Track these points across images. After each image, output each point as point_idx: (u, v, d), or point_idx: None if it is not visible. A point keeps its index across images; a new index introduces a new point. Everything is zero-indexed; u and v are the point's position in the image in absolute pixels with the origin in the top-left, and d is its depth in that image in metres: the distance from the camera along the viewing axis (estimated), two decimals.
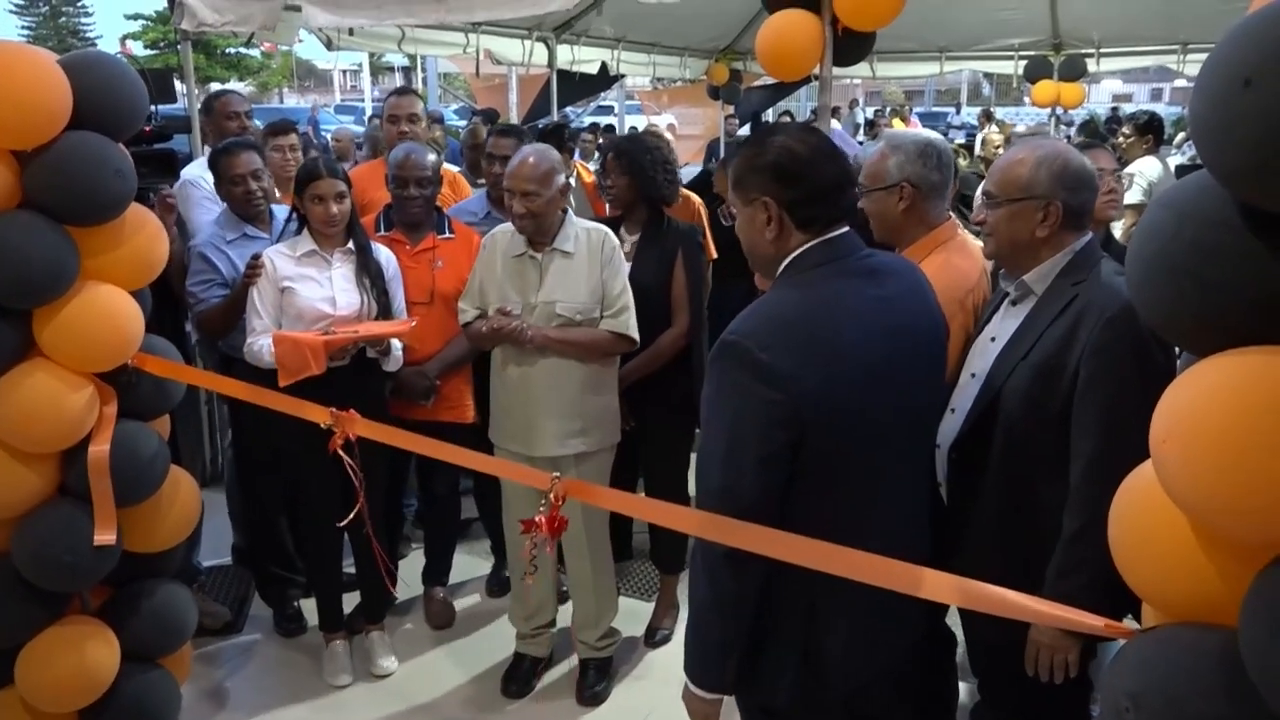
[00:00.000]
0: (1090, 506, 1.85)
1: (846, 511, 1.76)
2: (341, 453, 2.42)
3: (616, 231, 3.44)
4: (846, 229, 1.81)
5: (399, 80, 39.36)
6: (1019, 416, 2.01)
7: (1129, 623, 1.40)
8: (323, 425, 2.39)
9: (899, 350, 1.78)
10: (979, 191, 2.18)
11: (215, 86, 27.66)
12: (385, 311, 3.20)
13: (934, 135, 2.55)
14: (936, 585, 1.58)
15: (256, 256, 3.11)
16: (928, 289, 1.92)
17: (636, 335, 3.05)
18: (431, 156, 3.44)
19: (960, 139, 16.79)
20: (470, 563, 4.12)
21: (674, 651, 2.97)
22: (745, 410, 1.66)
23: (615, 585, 3.37)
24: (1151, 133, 5.65)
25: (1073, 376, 1.93)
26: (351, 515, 2.64)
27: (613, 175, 3.44)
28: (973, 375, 2.17)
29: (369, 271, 3.18)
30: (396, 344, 3.19)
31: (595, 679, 3.25)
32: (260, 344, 3.05)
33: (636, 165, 3.38)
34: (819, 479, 1.72)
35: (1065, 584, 1.89)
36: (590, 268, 2.99)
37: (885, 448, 1.79)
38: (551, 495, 1.94)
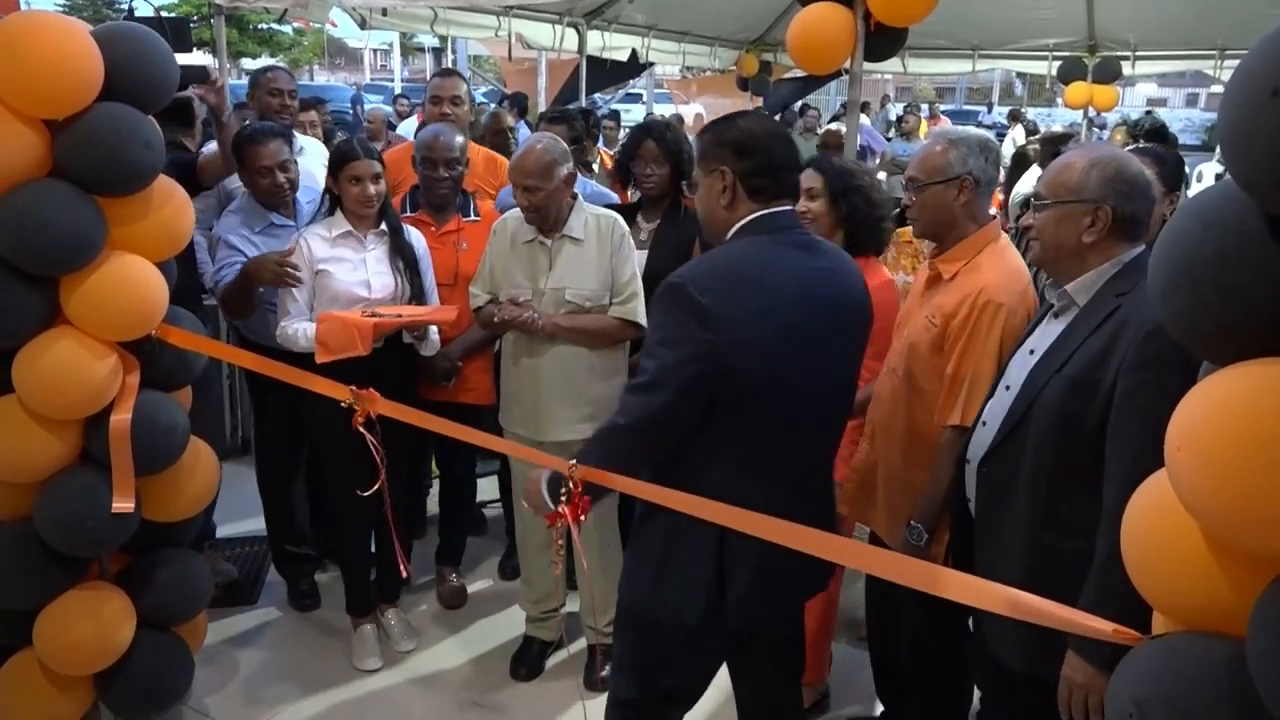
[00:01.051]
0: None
1: (758, 458, 1.99)
2: (363, 430, 2.44)
3: (634, 218, 3.44)
4: (789, 206, 2.06)
5: (429, 61, 39.33)
6: (1051, 431, 1.92)
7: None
8: (343, 404, 2.41)
9: (825, 319, 2.02)
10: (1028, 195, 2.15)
11: (247, 61, 27.78)
12: (419, 293, 3.20)
13: (985, 133, 2.61)
14: (961, 585, 1.60)
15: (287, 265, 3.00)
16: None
17: (645, 322, 3.03)
18: (459, 138, 3.45)
19: (1020, 138, 16.67)
20: (485, 545, 4.15)
21: None
22: (678, 342, 1.90)
23: None
24: (1155, 140, 5.63)
25: (1109, 391, 1.82)
26: (375, 486, 2.60)
27: (652, 164, 3.40)
28: (1007, 388, 2.09)
29: (402, 254, 3.18)
30: (433, 329, 3.20)
31: (604, 664, 3.25)
32: (296, 328, 3.05)
33: (678, 155, 3.39)
34: (735, 421, 1.95)
35: (1097, 615, 1.80)
36: (600, 254, 3.00)
37: (802, 408, 2.02)
38: (570, 483, 1.98)
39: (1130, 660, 1.23)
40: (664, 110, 15.19)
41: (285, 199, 3.37)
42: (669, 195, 3.45)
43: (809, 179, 2.82)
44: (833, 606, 3.08)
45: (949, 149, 2.38)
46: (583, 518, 1.99)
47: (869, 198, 2.77)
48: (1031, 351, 2.07)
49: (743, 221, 2.03)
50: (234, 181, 3.55)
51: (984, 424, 2.13)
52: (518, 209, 3.07)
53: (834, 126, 9.22)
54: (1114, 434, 1.82)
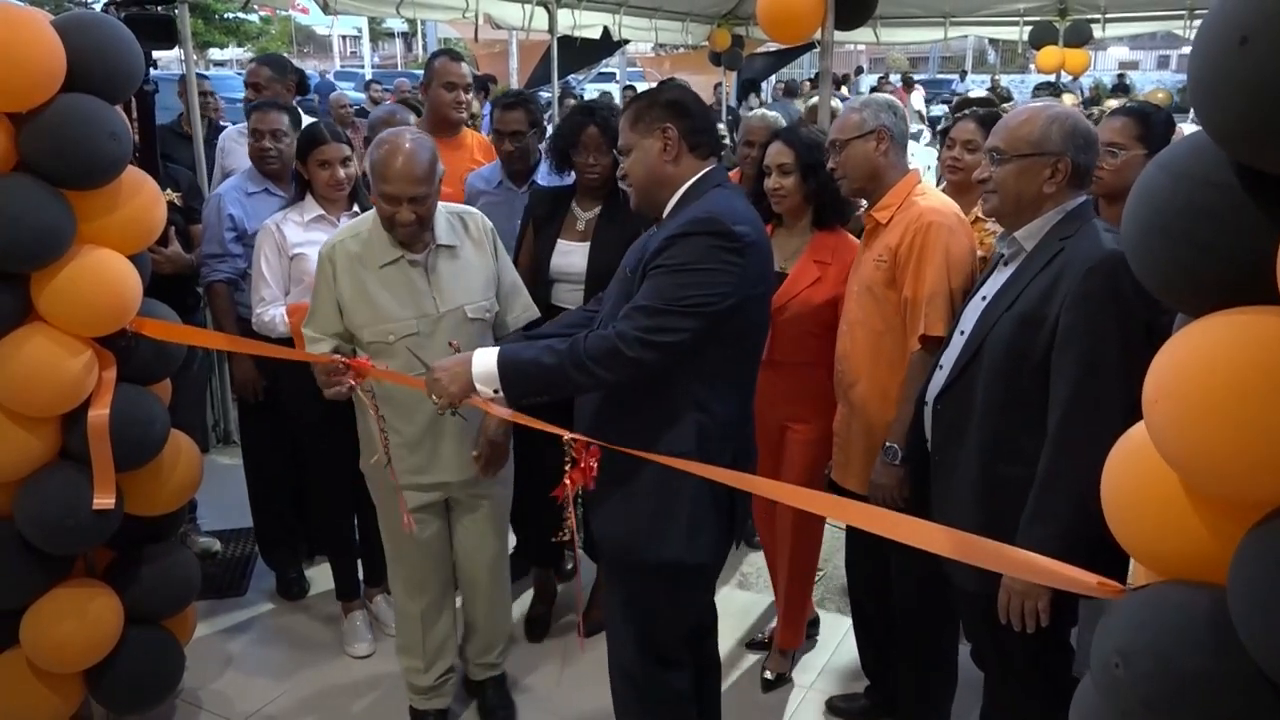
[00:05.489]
0: (1063, 454, 1.92)
1: (736, 383, 2.17)
2: (361, 394, 2.44)
3: (567, 205, 3.14)
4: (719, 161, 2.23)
5: (399, 46, 39.07)
6: (1001, 367, 2.04)
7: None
8: (339, 365, 2.40)
9: (770, 260, 2.23)
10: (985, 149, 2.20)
11: (214, 52, 27.45)
12: None
13: (890, 96, 2.82)
14: (935, 537, 1.65)
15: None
16: None
17: (536, 312, 2.83)
18: (412, 116, 3.44)
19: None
20: None
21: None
22: (710, 267, 1.99)
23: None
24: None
25: (1053, 327, 1.95)
26: (364, 462, 2.58)
27: (595, 153, 3.03)
28: (962, 333, 2.20)
29: None
30: None
31: (497, 699, 3.00)
32: (272, 314, 3.04)
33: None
34: (735, 345, 2.11)
35: (1035, 532, 1.93)
36: (481, 259, 2.68)
37: (759, 340, 2.23)
38: (572, 450, 2.08)
39: (1113, 612, 1.24)
40: (641, 88, 15.07)
41: (271, 167, 3.49)
42: (608, 183, 3.12)
43: (779, 154, 2.81)
44: (807, 564, 3.11)
45: (862, 109, 2.59)
46: (585, 484, 2.04)
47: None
48: (984, 298, 2.17)
49: (697, 176, 2.14)
50: (233, 164, 4.12)
51: (941, 368, 2.24)
52: (347, 223, 2.77)
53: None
54: (1056, 365, 1.96)
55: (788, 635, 3.16)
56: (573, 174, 3.14)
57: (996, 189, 2.11)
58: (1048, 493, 1.94)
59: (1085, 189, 2.10)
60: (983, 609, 2.11)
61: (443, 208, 2.63)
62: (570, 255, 3.07)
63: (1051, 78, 9.90)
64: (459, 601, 3.00)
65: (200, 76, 5.71)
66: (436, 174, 2.50)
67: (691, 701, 2.37)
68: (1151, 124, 2.60)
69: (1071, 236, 2.01)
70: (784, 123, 3.89)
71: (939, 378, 2.22)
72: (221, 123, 5.43)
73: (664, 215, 2.16)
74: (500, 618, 3.01)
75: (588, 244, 3.07)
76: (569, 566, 3.64)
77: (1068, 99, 7.25)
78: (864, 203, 2.70)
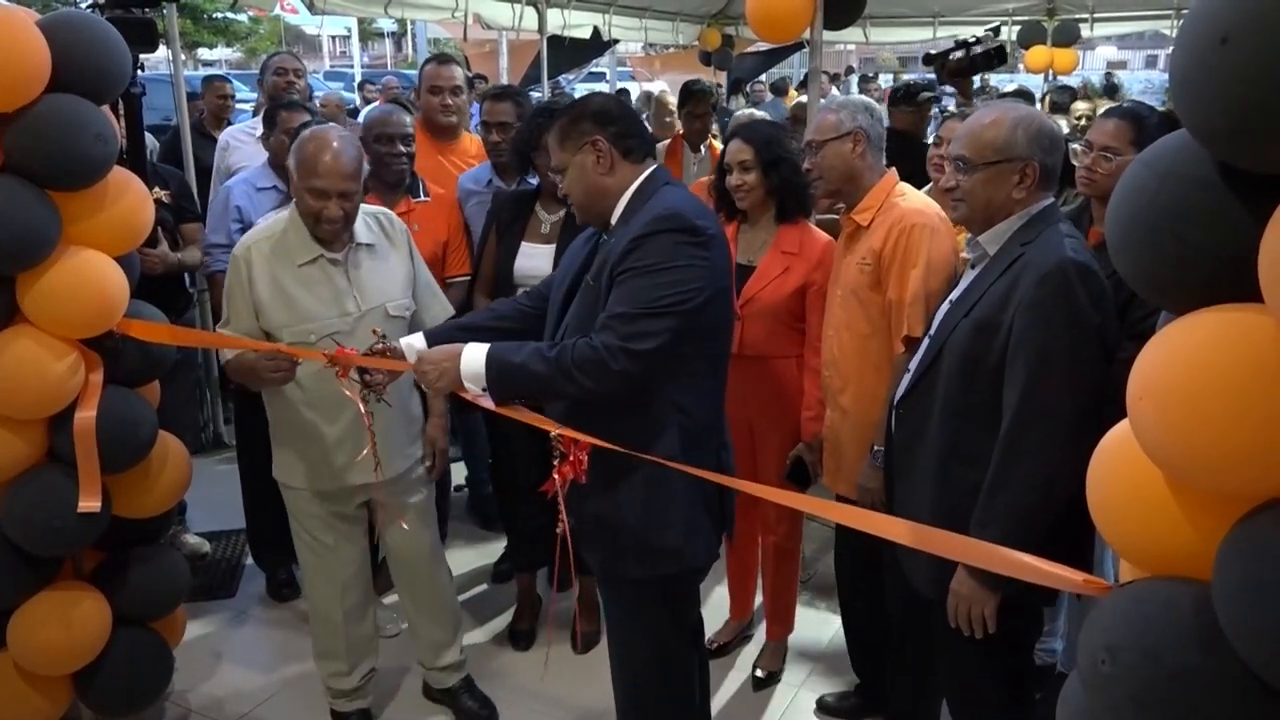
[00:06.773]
0: (1011, 460, 1.92)
1: (711, 382, 2.16)
2: (347, 390, 2.35)
3: (531, 207, 3.13)
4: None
5: (389, 46, 38.92)
6: (958, 370, 2.04)
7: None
8: (323, 365, 2.34)
9: (729, 254, 2.24)
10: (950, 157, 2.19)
11: (203, 52, 27.33)
12: None
13: (868, 98, 2.83)
14: (946, 543, 1.68)
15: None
16: None
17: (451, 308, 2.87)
18: (409, 116, 3.42)
19: (952, 106, 16.70)
20: (458, 528, 4.14)
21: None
22: (681, 265, 1.96)
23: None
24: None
25: (1007, 332, 1.95)
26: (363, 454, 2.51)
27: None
28: (930, 336, 2.21)
29: None
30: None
31: (473, 701, 2.98)
32: None
33: None
34: (707, 343, 2.08)
35: (983, 534, 1.92)
36: (399, 257, 2.70)
37: (728, 336, 2.22)
38: (559, 445, 2.06)
39: (1100, 609, 1.25)
40: (629, 89, 15.02)
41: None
42: None
43: (739, 151, 2.82)
44: (792, 554, 3.16)
45: (839, 110, 2.58)
46: (576, 476, 2.03)
47: (795, 165, 2.79)
48: (950, 302, 2.18)
49: (639, 181, 2.10)
50: (240, 161, 4.18)
51: (908, 371, 2.24)
52: (261, 223, 2.74)
53: (803, 98, 9.19)
54: (1009, 370, 1.95)
55: (777, 626, 3.18)
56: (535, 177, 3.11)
57: (965, 198, 2.08)
58: (994, 497, 1.95)
59: (1052, 190, 2.08)
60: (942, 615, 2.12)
61: (360, 209, 2.62)
62: (535, 259, 3.04)
63: (1068, 79, 9.88)
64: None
65: (222, 79, 5.76)
66: (363, 173, 2.52)
67: (697, 696, 2.40)
68: (1145, 127, 2.56)
69: (1032, 242, 1.99)
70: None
71: (905, 382, 2.23)
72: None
73: (613, 222, 2.12)
74: (448, 616, 2.96)
75: (553, 247, 3.04)
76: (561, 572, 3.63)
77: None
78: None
